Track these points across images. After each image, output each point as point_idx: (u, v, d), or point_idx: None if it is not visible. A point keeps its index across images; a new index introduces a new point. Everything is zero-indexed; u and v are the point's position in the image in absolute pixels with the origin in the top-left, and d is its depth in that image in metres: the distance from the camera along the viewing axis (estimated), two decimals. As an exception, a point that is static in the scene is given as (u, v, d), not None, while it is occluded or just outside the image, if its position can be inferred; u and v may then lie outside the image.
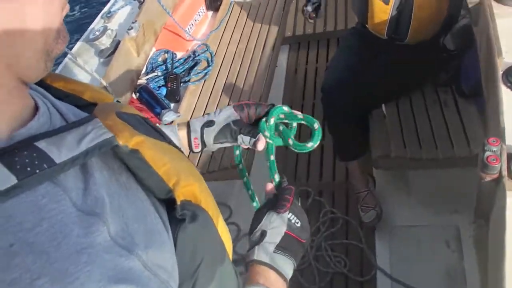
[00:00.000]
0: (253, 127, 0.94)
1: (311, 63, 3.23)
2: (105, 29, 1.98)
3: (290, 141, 0.90)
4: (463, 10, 2.07)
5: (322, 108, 2.27)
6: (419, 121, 2.11)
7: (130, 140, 0.55)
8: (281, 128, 0.93)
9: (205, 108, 2.48)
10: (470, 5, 1.45)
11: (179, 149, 0.70)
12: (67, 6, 0.53)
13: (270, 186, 0.94)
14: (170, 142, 0.68)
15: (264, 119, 0.93)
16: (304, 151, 0.90)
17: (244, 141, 0.93)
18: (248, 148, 0.98)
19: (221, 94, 2.53)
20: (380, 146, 2.10)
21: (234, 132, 0.93)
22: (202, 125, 0.95)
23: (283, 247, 0.82)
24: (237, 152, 1.01)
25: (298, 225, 0.85)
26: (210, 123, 0.95)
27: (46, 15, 0.49)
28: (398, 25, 2.05)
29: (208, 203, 0.63)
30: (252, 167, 2.12)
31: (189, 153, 1.00)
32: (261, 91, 2.48)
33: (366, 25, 2.18)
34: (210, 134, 0.95)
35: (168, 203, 0.60)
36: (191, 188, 0.60)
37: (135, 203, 0.55)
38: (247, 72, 2.61)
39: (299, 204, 0.89)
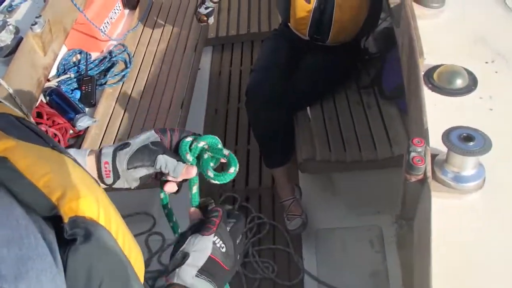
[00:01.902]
0: (177, 155, 0.80)
1: (236, 66, 3.18)
2: (4, 23, 1.78)
3: (210, 173, 0.78)
4: (384, 13, 2.13)
5: (247, 112, 2.22)
6: (343, 124, 2.13)
7: None
8: (205, 155, 0.80)
9: (124, 112, 2.32)
10: (391, 5, 1.46)
11: (68, 155, 0.59)
12: None
13: (193, 209, 0.83)
14: (54, 147, 0.56)
15: (188, 139, 0.80)
16: (225, 182, 0.80)
17: (167, 164, 0.78)
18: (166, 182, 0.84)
19: (141, 98, 2.39)
20: (305, 150, 2.08)
21: (152, 153, 0.78)
22: (115, 147, 0.80)
23: (206, 271, 0.74)
24: (162, 194, 0.85)
25: (223, 250, 0.76)
26: (125, 145, 0.80)
27: None
28: (320, 26, 2.08)
29: (108, 218, 0.53)
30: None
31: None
32: (184, 95, 2.38)
33: (289, 24, 2.18)
34: (124, 157, 0.79)
35: (58, 221, 0.49)
36: (83, 201, 0.50)
37: (7, 221, 0.44)
38: (168, 74, 2.49)
39: (228, 229, 0.79)
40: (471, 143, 0.90)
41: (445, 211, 0.92)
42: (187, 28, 2.74)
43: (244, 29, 3.24)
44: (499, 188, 0.95)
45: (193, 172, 0.80)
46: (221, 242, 0.76)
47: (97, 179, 0.81)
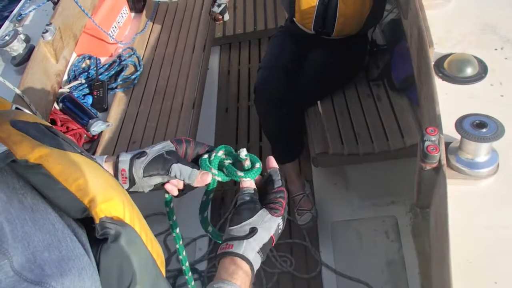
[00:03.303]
0: (191, 163, 0.85)
1: (244, 64, 3.20)
2: (16, 33, 1.81)
3: (239, 173, 0.82)
4: (390, 5, 2.13)
5: (256, 109, 2.24)
6: (354, 117, 2.14)
7: (30, 153, 0.49)
8: (226, 162, 0.84)
9: (136, 115, 2.35)
10: (398, -3, 1.47)
11: (94, 160, 0.61)
12: None
13: (252, 181, 0.84)
14: (82, 152, 0.59)
15: (205, 156, 0.85)
16: (254, 177, 0.83)
17: (182, 172, 0.82)
18: (181, 191, 0.88)
19: (152, 100, 2.42)
20: (318, 144, 2.10)
21: (167, 162, 0.82)
22: (132, 156, 0.84)
23: (263, 248, 0.77)
24: (167, 194, 0.89)
25: (280, 231, 0.80)
26: (141, 154, 0.83)
27: None
28: (324, 19, 2.09)
29: (133, 217, 0.56)
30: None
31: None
32: (194, 95, 2.40)
33: (295, 20, 2.19)
34: (140, 165, 0.82)
35: (88, 222, 0.53)
36: (111, 203, 0.53)
37: (44, 227, 0.47)
38: (178, 76, 2.51)
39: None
40: (484, 130, 0.92)
41: (460, 197, 0.94)
42: (194, 28, 2.76)
43: (250, 27, 3.26)
44: (513, 173, 0.96)
45: (208, 178, 0.83)
46: (282, 224, 0.80)
47: None
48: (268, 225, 0.77)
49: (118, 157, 0.84)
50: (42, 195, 0.50)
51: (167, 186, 0.86)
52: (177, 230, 0.95)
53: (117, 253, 0.52)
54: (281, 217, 0.79)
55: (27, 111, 0.64)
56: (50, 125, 0.60)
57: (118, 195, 0.55)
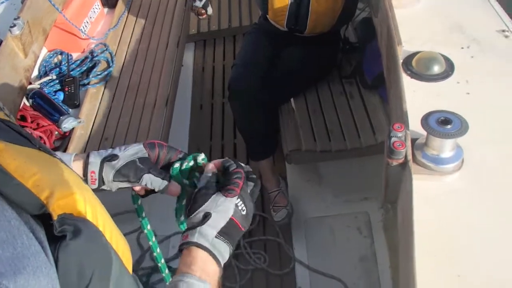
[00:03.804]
0: (162, 170, 0.84)
1: (218, 61, 3.19)
2: (-17, 27, 1.77)
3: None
4: (363, 3, 2.15)
5: (230, 106, 2.23)
6: (327, 114, 2.16)
7: None
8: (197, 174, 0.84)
9: (109, 112, 2.32)
10: (369, -4, 1.49)
11: (53, 155, 0.60)
12: None
13: (211, 165, 0.82)
14: (40, 147, 0.58)
15: (176, 165, 0.84)
16: None
17: (152, 183, 0.82)
18: (149, 191, 0.87)
19: (125, 97, 2.39)
20: (291, 141, 2.11)
21: (139, 170, 0.81)
22: (103, 158, 0.82)
23: (224, 232, 0.73)
24: (133, 193, 0.89)
25: (244, 212, 0.76)
26: (113, 157, 0.82)
27: None
28: (297, 17, 2.11)
29: (95, 213, 0.55)
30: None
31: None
32: (168, 92, 2.38)
33: (268, 17, 2.20)
34: (110, 170, 0.82)
35: (46, 219, 0.51)
36: (71, 199, 0.52)
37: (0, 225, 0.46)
38: (152, 72, 2.49)
39: (248, 191, 0.79)
40: (449, 126, 0.94)
41: (426, 193, 0.96)
42: (168, 24, 2.74)
43: (225, 24, 3.25)
44: (476, 169, 0.99)
45: (178, 190, 0.83)
46: (243, 205, 0.76)
47: None
48: (222, 208, 0.74)
49: (88, 157, 0.83)
50: None
51: (136, 187, 0.85)
52: (148, 226, 0.94)
53: (76, 251, 0.51)
54: (237, 197, 0.75)
55: None
56: (7, 119, 0.58)
57: (78, 191, 0.54)
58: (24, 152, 0.53)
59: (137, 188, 0.86)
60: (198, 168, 0.85)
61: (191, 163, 0.84)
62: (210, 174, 0.80)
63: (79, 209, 0.53)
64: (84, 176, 0.82)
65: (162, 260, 0.99)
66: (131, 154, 0.83)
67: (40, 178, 0.51)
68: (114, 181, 0.82)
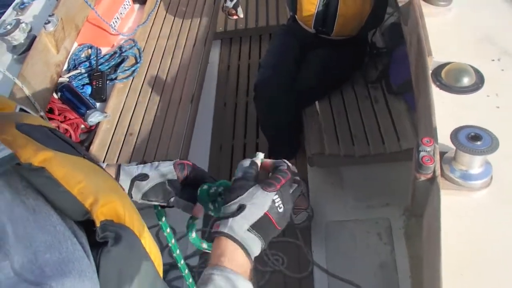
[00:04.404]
0: (188, 190, 0.86)
1: (244, 60, 3.20)
2: (18, 22, 1.80)
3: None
4: (391, 8, 2.14)
5: (255, 107, 2.24)
6: (351, 118, 2.15)
7: (34, 156, 0.49)
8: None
9: (134, 107, 2.35)
10: (400, 4, 1.48)
11: (96, 163, 0.62)
12: None
13: (266, 162, 0.81)
14: (85, 156, 0.60)
15: (205, 187, 0.84)
16: None
17: (179, 205, 0.85)
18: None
19: (151, 92, 2.42)
20: (314, 144, 2.11)
21: (167, 193, 0.85)
22: (134, 177, 0.85)
23: (257, 226, 0.71)
24: (156, 210, 0.93)
25: (281, 210, 0.73)
26: (143, 177, 0.84)
27: None
28: (325, 19, 2.11)
29: (133, 219, 0.57)
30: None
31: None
32: (194, 89, 2.40)
33: (296, 17, 2.20)
34: (140, 190, 0.84)
35: (88, 225, 0.53)
36: (112, 205, 0.54)
37: (45, 228, 0.48)
38: (178, 69, 2.51)
39: (290, 192, 0.77)
40: (479, 143, 0.93)
41: (453, 208, 0.95)
42: (197, 22, 2.76)
43: (252, 23, 3.26)
44: (505, 186, 0.97)
45: (201, 212, 0.86)
46: (280, 202, 0.73)
47: None
48: (258, 201, 0.72)
49: (119, 170, 0.85)
50: (45, 198, 0.51)
51: (199, 213, 0.89)
52: (168, 230, 0.96)
53: (117, 257, 0.53)
54: (275, 193, 0.73)
55: (31, 111, 0.65)
56: (54, 127, 0.61)
57: (119, 198, 0.56)
58: (71, 160, 0.55)
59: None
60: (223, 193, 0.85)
61: (220, 189, 0.84)
62: (247, 165, 0.78)
63: (119, 215, 0.54)
64: None
65: (182, 261, 1.00)
66: (161, 175, 0.85)
67: (85, 185, 0.52)
68: (142, 199, 0.86)
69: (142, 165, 0.87)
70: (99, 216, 0.52)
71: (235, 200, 0.73)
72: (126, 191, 0.85)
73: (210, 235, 0.75)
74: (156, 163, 0.87)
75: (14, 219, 0.46)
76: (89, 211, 0.52)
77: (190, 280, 1.03)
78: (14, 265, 0.42)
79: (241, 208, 0.72)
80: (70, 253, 0.48)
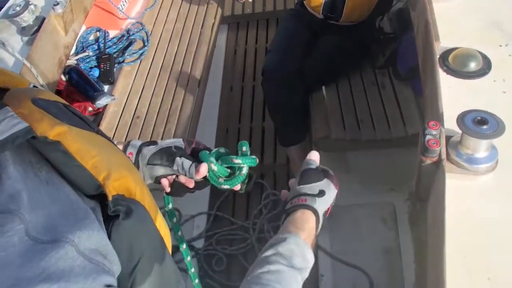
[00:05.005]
0: (194, 158, 0.88)
1: (251, 44, 3.19)
2: (27, 4, 1.80)
3: (236, 160, 0.87)
4: (399, -6, 2.12)
5: (262, 91, 2.25)
6: (358, 103, 2.15)
7: (50, 130, 0.50)
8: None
9: (142, 90, 2.37)
10: (408, -11, 1.47)
11: (109, 139, 0.64)
12: None
13: (317, 154, 0.95)
14: (98, 131, 0.61)
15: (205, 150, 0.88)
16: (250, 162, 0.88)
17: (184, 165, 0.86)
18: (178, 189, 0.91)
19: (158, 76, 2.43)
20: (320, 128, 2.11)
21: (171, 154, 0.86)
22: (142, 143, 0.89)
23: (324, 214, 0.84)
24: (188, 258, 0.96)
25: (333, 204, 0.87)
26: (151, 143, 0.89)
27: None
28: (334, 4, 2.10)
29: (143, 195, 0.58)
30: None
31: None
32: (201, 73, 2.41)
33: (304, 3, 2.19)
34: (147, 152, 0.87)
35: (100, 199, 0.54)
36: (124, 180, 0.55)
37: (59, 198, 0.50)
38: (185, 53, 2.52)
39: None
40: (485, 127, 0.94)
41: (458, 192, 0.96)
42: (204, 6, 2.75)
43: (259, 7, 3.24)
44: (511, 170, 0.98)
45: (205, 172, 0.86)
46: (335, 198, 0.87)
47: None
48: (332, 193, 0.85)
49: (129, 142, 0.89)
50: (58, 172, 0.52)
51: (163, 181, 0.89)
52: (179, 233, 0.98)
53: (128, 230, 0.54)
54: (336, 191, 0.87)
55: (41, 87, 0.66)
56: (68, 104, 0.62)
57: (130, 174, 0.57)
58: (85, 135, 0.56)
59: (164, 182, 0.89)
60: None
61: (222, 150, 0.88)
62: (317, 163, 0.90)
63: (130, 190, 0.55)
64: None
65: (184, 246, 1.00)
66: (168, 142, 0.88)
67: (99, 160, 0.53)
68: (148, 164, 0.86)
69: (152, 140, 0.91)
70: (111, 190, 0.53)
71: (316, 183, 0.84)
72: (134, 154, 0.87)
73: (287, 209, 0.83)
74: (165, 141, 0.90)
75: (28, 189, 0.47)
76: (102, 185, 0.53)
77: (188, 258, 1.04)
78: (29, 229, 0.44)
79: (322, 192, 0.83)
80: (84, 216, 0.50)
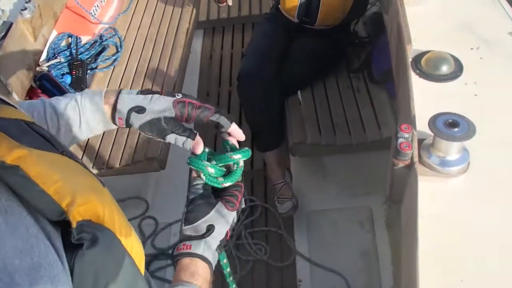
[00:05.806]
0: (186, 127, 0.82)
1: (227, 49, 3.18)
2: (-7, 9, 1.76)
3: (234, 156, 0.82)
4: (373, -2, 2.14)
5: (238, 96, 2.23)
6: (333, 107, 2.16)
7: (7, 154, 0.47)
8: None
9: (115, 96, 2.32)
10: (380, -7, 1.48)
11: (76, 159, 0.60)
12: None
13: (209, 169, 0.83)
14: (63, 152, 0.58)
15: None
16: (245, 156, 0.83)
17: (177, 141, 0.81)
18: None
19: (132, 82, 2.39)
20: (296, 134, 2.11)
21: (162, 130, 0.80)
22: (130, 108, 0.80)
23: (220, 245, 0.77)
24: (225, 260, 0.86)
25: (234, 222, 0.79)
26: (140, 110, 0.80)
27: None
28: (308, 8, 2.10)
29: (113, 218, 0.55)
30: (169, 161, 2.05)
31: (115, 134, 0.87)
32: (175, 79, 2.38)
33: (280, 7, 2.20)
34: (137, 121, 0.80)
35: (64, 225, 0.51)
36: (91, 205, 0.52)
37: (17, 231, 0.46)
38: (160, 58, 2.48)
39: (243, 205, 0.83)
40: (456, 129, 0.94)
41: (431, 194, 0.96)
42: (178, 11, 2.73)
43: (235, 12, 3.23)
44: (482, 172, 0.99)
45: (200, 147, 0.81)
46: (236, 217, 0.79)
47: (110, 121, 0.83)
48: (224, 221, 0.76)
49: (117, 100, 0.81)
50: (18, 197, 0.49)
51: (198, 148, 0.82)
52: (230, 278, 0.93)
53: (92, 260, 0.51)
54: (236, 211, 0.78)
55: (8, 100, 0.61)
56: (32, 120, 0.58)
57: (98, 197, 0.54)
58: (47, 158, 0.53)
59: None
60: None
61: (206, 149, 0.83)
62: (202, 183, 0.80)
63: (98, 215, 0.53)
64: (112, 119, 0.82)
65: (228, 269, 0.93)
66: (158, 111, 0.80)
67: (62, 185, 0.51)
68: (140, 130, 0.82)
69: (142, 95, 0.81)
70: (76, 216, 0.51)
71: (202, 220, 0.76)
72: (124, 119, 0.81)
73: (174, 256, 0.75)
74: (157, 96, 0.81)
75: None
76: (65, 212, 0.50)
77: (234, 286, 0.98)
78: None
79: (210, 229, 0.75)
80: (42, 258, 0.46)
